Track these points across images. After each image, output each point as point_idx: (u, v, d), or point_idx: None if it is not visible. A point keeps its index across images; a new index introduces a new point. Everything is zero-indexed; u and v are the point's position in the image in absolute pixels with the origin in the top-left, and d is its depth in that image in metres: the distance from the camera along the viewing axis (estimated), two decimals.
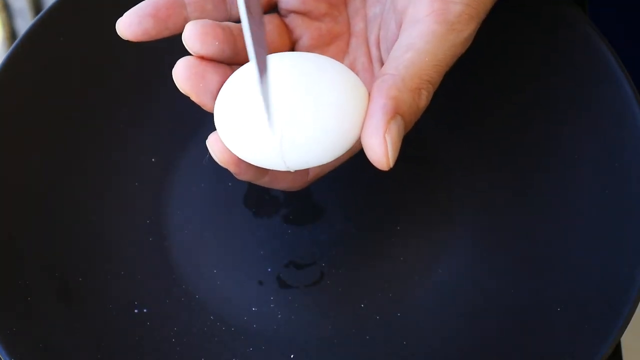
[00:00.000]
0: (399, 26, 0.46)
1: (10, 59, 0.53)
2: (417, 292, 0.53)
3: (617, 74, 0.53)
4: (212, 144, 0.45)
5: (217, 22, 0.46)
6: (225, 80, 0.45)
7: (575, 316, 0.50)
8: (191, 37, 0.45)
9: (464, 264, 0.54)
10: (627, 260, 0.50)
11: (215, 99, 0.45)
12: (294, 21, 0.49)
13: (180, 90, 0.44)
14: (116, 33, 0.46)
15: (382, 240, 0.54)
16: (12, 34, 1.00)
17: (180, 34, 0.46)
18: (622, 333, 0.49)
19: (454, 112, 0.55)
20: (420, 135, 0.54)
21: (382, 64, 0.49)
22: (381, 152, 0.42)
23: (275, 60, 0.43)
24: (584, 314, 0.50)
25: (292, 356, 0.52)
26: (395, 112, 0.43)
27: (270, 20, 0.49)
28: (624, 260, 0.51)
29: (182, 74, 0.44)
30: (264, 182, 0.48)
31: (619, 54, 0.53)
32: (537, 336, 0.51)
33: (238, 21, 0.44)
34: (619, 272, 0.50)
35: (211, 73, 0.45)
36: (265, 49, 0.41)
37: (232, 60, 0.46)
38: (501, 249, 0.54)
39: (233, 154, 0.44)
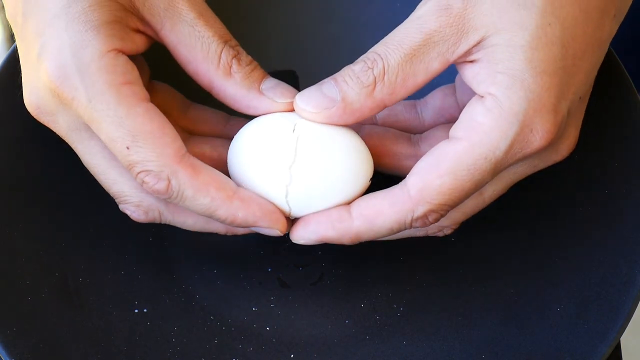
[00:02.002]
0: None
1: (10, 59, 0.53)
2: (417, 292, 0.53)
3: (617, 74, 0.53)
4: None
5: None
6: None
7: (574, 316, 0.51)
8: None
9: (463, 264, 0.54)
10: (627, 260, 0.51)
11: None
12: None
13: None
14: None
15: (382, 240, 0.52)
16: (12, 34, 1.00)
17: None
18: (622, 333, 0.49)
19: None
20: None
21: None
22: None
23: (292, 123, 0.48)
24: (583, 314, 0.50)
25: (292, 356, 0.51)
26: None
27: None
28: (624, 260, 0.51)
29: None
30: None
31: (619, 56, 0.53)
32: (537, 336, 0.51)
33: None
34: (619, 272, 0.51)
35: None
36: None
37: None
38: (501, 248, 0.54)
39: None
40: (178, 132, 0.48)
